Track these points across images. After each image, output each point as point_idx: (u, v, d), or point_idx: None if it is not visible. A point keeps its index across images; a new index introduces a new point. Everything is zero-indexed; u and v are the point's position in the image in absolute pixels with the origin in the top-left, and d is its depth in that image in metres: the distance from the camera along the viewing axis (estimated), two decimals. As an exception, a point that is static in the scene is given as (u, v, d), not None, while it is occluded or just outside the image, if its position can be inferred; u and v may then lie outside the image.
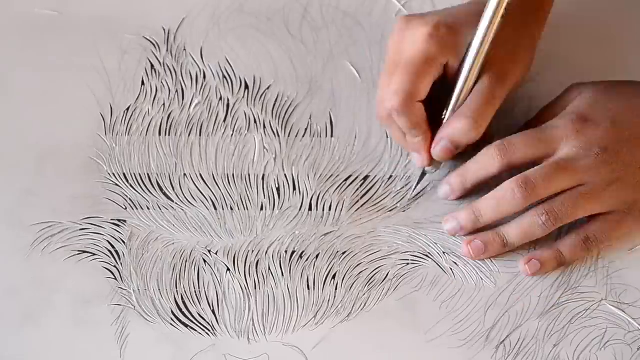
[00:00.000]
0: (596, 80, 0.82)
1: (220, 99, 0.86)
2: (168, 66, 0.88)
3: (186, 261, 0.79)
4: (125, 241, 0.79)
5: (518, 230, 0.78)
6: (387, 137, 0.84)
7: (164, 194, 0.82)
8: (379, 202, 0.81)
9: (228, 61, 0.88)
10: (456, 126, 0.79)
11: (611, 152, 0.77)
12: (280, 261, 0.79)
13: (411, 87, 0.77)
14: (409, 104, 0.78)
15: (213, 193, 0.82)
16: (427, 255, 0.79)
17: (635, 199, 0.78)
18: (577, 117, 0.79)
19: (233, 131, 0.85)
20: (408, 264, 0.79)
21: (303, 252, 0.79)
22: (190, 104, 0.86)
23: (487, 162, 0.78)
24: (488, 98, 0.79)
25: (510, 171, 0.78)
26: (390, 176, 0.83)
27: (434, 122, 0.80)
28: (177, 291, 0.77)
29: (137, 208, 0.81)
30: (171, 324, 0.76)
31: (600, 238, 0.78)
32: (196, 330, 0.76)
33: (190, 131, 0.85)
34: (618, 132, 0.78)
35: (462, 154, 0.81)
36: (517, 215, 0.78)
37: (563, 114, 0.80)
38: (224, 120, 0.85)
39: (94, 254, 0.79)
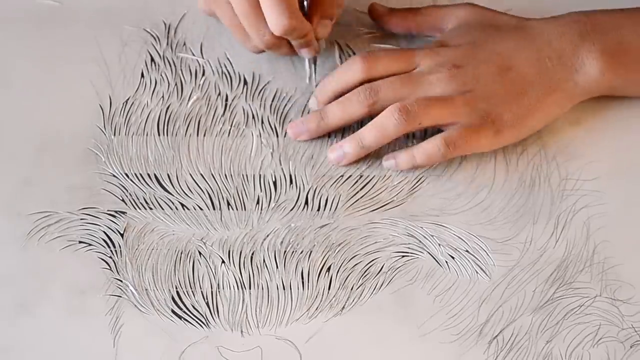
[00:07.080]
0: (489, 9, 0.86)
1: (219, 94, 0.86)
2: (168, 59, 0.88)
3: (181, 253, 0.79)
4: (122, 232, 0.80)
5: (372, 130, 0.81)
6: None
7: (161, 186, 0.82)
8: (375, 197, 0.81)
9: (227, 57, 0.89)
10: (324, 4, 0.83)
11: (463, 69, 0.82)
12: (275, 254, 0.79)
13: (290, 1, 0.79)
14: (298, 13, 0.79)
15: (210, 186, 0.82)
16: (423, 248, 0.79)
17: (487, 110, 0.81)
18: (440, 43, 0.85)
19: (231, 126, 0.85)
20: (403, 256, 0.79)
21: (298, 244, 0.79)
22: (189, 98, 0.86)
23: (351, 69, 0.83)
24: None
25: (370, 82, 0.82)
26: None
27: None
28: (171, 283, 0.77)
29: (134, 200, 0.81)
30: (165, 315, 0.76)
31: (455, 142, 0.81)
32: (190, 322, 0.76)
33: (189, 125, 0.85)
34: (475, 52, 0.83)
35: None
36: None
37: (433, 41, 0.86)
38: (222, 115, 0.85)
39: (90, 245, 0.79)
